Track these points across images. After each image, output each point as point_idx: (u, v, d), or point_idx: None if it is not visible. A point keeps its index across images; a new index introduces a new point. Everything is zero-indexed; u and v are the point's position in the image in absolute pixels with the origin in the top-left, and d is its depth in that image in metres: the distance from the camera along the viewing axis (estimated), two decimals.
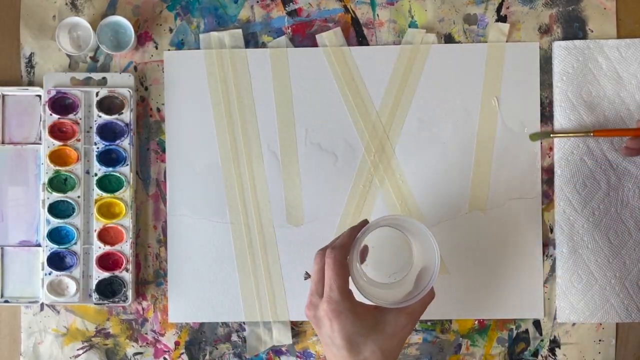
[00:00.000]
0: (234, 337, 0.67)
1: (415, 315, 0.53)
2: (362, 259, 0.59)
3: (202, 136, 0.66)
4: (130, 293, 0.65)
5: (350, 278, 0.52)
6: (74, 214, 0.65)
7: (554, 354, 0.66)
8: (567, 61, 0.66)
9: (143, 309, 0.67)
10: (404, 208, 0.66)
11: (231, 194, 0.66)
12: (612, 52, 0.66)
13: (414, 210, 0.66)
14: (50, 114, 0.64)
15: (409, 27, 0.67)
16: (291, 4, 0.67)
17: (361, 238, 0.54)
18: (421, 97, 0.66)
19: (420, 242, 0.56)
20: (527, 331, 0.66)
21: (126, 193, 0.65)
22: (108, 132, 0.65)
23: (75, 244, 0.65)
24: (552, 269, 0.66)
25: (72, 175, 0.64)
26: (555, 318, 0.66)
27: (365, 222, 0.55)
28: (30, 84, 0.67)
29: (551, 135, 0.65)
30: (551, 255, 0.66)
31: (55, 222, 0.64)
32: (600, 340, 0.66)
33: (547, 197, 0.66)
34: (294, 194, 0.66)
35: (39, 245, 0.66)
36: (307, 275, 0.56)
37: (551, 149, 0.66)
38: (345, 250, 0.52)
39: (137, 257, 0.67)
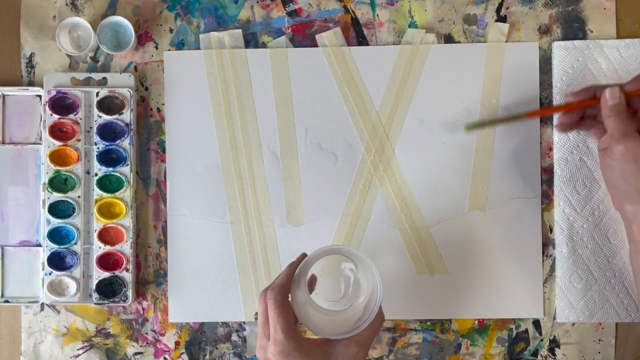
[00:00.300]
0: (234, 337, 0.67)
1: (365, 341, 0.53)
2: (311, 288, 0.59)
3: (202, 136, 0.66)
4: (130, 293, 0.65)
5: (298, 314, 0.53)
6: (74, 214, 0.65)
7: (554, 354, 0.66)
8: (567, 61, 0.66)
9: (143, 308, 0.67)
10: (404, 208, 0.66)
11: (231, 194, 0.66)
12: (612, 52, 0.66)
13: (413, 210, 0.66)
14: (51, 114, 0.64)
15: (409, 27, 0.67)
16: (291, 4, 0.67)
17: (300, 273, 0.54)
18: (421, 97, 0.66)
19: (364, 268, 0.57)
20: (526, 331, 0.66)
21: (126, 193, 0.65)
22: (108, 132, 0.65)
23: (76, 244, 0.65)
24: (552, 268, 0.66)
25: (72, 175, 0.65)
26: (554, 318, 0.66)
27: (304, 256, 0.56)
28: (31, 84, 0.67)
29: (485, 126, 0.64)
30: (551, 255, 0.66)
31: (56, 222, 0.65)
32: (599, 340, 0.66)
33: (547, 197, 0.66)
34: (294, 194, 0.66)
35: (39, 245, 0.66)
36: (257, 316, 0.56)
37: (551, 149, 0.66)
38: (285, 289, 0.53)
39: (137, 257, 0.67)
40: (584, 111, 0.61)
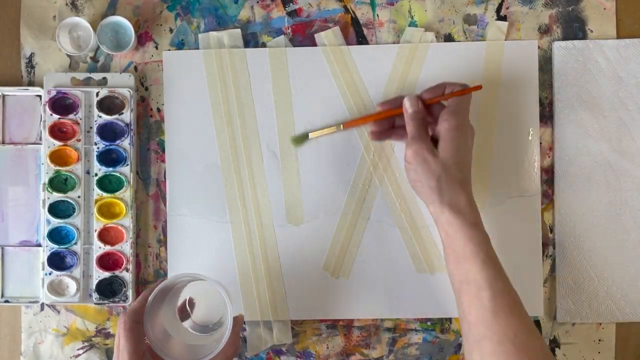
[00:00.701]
0: None
1: None
2: (185, 313, 0.61)
3: (201, 136, 0.66)
4: (130, 293, 0.65)
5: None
6: (74, 214, 0.65)
7: (554, 354, 0.66)
8: (567, 61, 0.66)
9: None
10: (404, 206, 0.66)
11: (231, 193, 0.66)
12: (612, 52, 0.66)
13: (413, 209, 0.66)
14: (51, 114, 0.64)
15: (409, 27, 0.67)
16: (291, 4, 0.67)
17: (155, 299, 0.54)
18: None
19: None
20: None
21: (126, 193, 0.65)
22: (108, 132, 0.65)
23: (76, 243, 0.65)
24: (552, 268, 0.66)
25: (72, 175, 0.65)
26: (555, 318, 0.66)
27: (161, 281, 0.56)
28: (31, 84, 0.67)
29: (309, 136, 0.65)
30: (551, 255, 0.66)
31: (56, 222, 0.65)
32: (600, 340, 0.66)
33: (547, 197, 0.66)
34: (293, 193, 0.66)
35: (40, 245, 0.66)
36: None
37: (551, 148, 0.66)
38: (136, 314, 0.54)
39: (137, 257, 0.67)
40: (394, 121, 0.62)
